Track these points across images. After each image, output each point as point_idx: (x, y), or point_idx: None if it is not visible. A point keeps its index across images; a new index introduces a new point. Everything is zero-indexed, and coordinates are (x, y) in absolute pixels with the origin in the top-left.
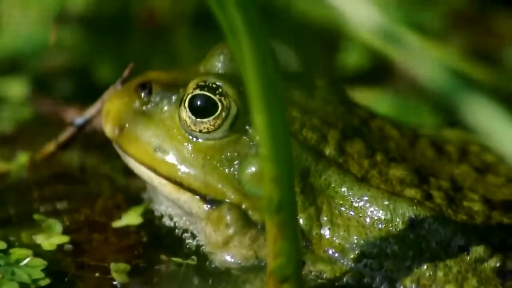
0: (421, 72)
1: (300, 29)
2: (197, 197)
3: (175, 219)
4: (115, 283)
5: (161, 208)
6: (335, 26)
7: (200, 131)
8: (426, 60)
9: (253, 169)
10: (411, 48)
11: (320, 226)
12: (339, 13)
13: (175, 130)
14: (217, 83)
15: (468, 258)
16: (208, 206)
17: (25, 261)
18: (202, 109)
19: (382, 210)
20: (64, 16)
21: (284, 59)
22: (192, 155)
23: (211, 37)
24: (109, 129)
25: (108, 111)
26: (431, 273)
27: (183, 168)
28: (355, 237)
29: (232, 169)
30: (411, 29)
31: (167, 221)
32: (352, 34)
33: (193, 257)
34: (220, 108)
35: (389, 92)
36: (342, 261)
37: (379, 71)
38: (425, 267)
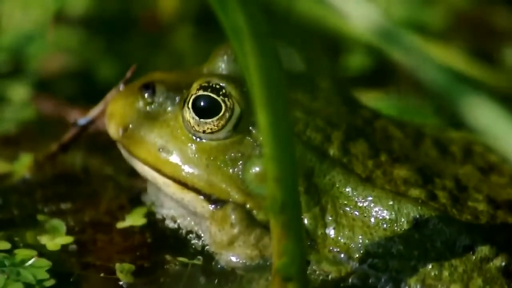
0: (422, 73)
1: (303, 30)
2: (201, 197)
3: (178, 220)
4: (120, 283)
5: (163, 211)
6: (338, 27)
7: (204, 131)
8: (427, 61)
9: (257, 169)
10: (412, 49)
11: (325, 226)
12: (340, 13)
13: (178, 131)
14: (221, 84)
15: (474, 257)
16: (213, 206)
17: (30, 262)
18: (205, 110)
19: (386, 210)
20: (67, 17)
21: (288, 60)
22: (196, 156)
23: (214, 38)
24: (113, 130)
25: (112, 112)
26: (436, 272)
27: (187, 168)
28: (360, 237)
29: (236, 169)
30: (412, 29)
31: (170, 224)
32: (355, 35)
33: (198, 257)
34: (223, 109)
35: (392, 93)
36: (347, 260)
37: (383, 72)
38: (430, 266)
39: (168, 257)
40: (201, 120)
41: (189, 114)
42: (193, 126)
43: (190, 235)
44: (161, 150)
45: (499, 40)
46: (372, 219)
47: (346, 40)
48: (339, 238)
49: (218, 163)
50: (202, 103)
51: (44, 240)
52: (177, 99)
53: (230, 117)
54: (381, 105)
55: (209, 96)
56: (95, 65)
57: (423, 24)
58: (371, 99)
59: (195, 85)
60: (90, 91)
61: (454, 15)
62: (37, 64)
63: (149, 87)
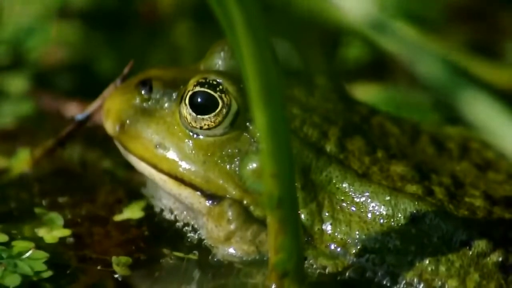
0: (420, 67)
1: (300, 24)
2: (198, 193)
3: (175, 213)
4: (116, 276)
5: (162, 203)
6: (335, 20)
7: (201, 127)
8: (425, 54)
9: (254, 165)
10: (409, 42)
11: (322, 221)
12: (336, 6)
13: (175, 127)
14: (218, 80)
15: (470, 252)
16: (210, 202)
17: (27, 254)
18: (202, 106)
19: (383, 205)
20: (65, 11)
21: (284, 55)
22: (193, 152)
23: (212, 33)
24: (109, 126)
25: (109, 108)
26: (433, 267)
27: (184, 165)
28: (357, 232)
29: (233, 165)
30: (410, 22)
31: (167, 215)
32: (351, 28)
33: (194, 251)
34: (220, 105)
35: (389, 87)
36: (344, 256)
37: (380, 66)
38: (427, 261)
39: (164, 250)
40: (198, 116)
41: (186, 110)
42: (190, 122)
43: (187, 228)
44: (158, 146)
45: (499, 34)
46: (369, 215)
47: (344, 33)
48: (336, 233)
49: (215, 159)
50: (199, 99)
51: (42, 232)
52: (174, 95)
53: (227, 113)
54: (378, 98)
55: (206, 92)
56: (94, 59)
57: (422, 17)
58: (368, 92)
59: (192, 81)
60: (88, 85)
61: (453, 9)
62: (36, 58)
63: (146, 83)
